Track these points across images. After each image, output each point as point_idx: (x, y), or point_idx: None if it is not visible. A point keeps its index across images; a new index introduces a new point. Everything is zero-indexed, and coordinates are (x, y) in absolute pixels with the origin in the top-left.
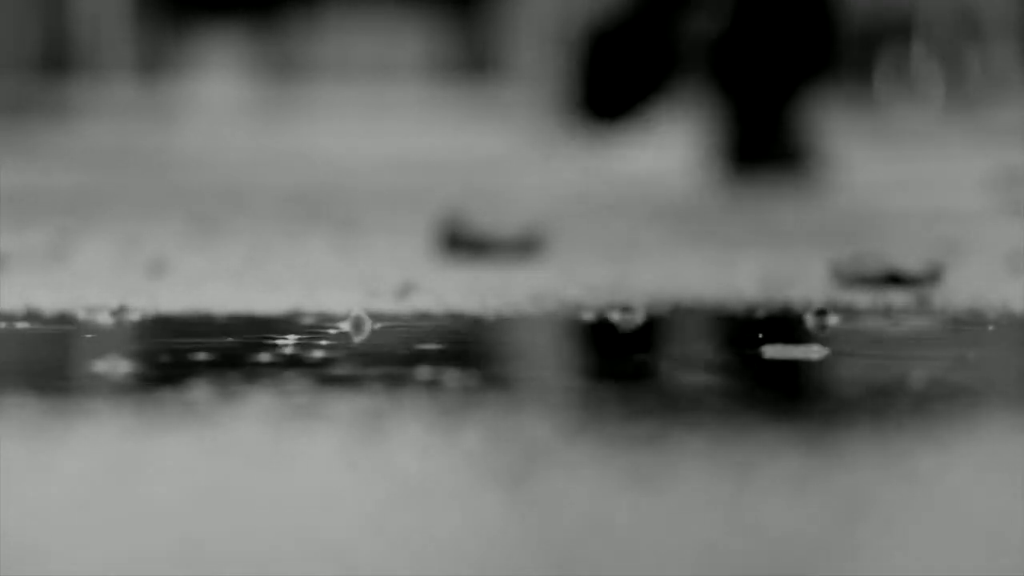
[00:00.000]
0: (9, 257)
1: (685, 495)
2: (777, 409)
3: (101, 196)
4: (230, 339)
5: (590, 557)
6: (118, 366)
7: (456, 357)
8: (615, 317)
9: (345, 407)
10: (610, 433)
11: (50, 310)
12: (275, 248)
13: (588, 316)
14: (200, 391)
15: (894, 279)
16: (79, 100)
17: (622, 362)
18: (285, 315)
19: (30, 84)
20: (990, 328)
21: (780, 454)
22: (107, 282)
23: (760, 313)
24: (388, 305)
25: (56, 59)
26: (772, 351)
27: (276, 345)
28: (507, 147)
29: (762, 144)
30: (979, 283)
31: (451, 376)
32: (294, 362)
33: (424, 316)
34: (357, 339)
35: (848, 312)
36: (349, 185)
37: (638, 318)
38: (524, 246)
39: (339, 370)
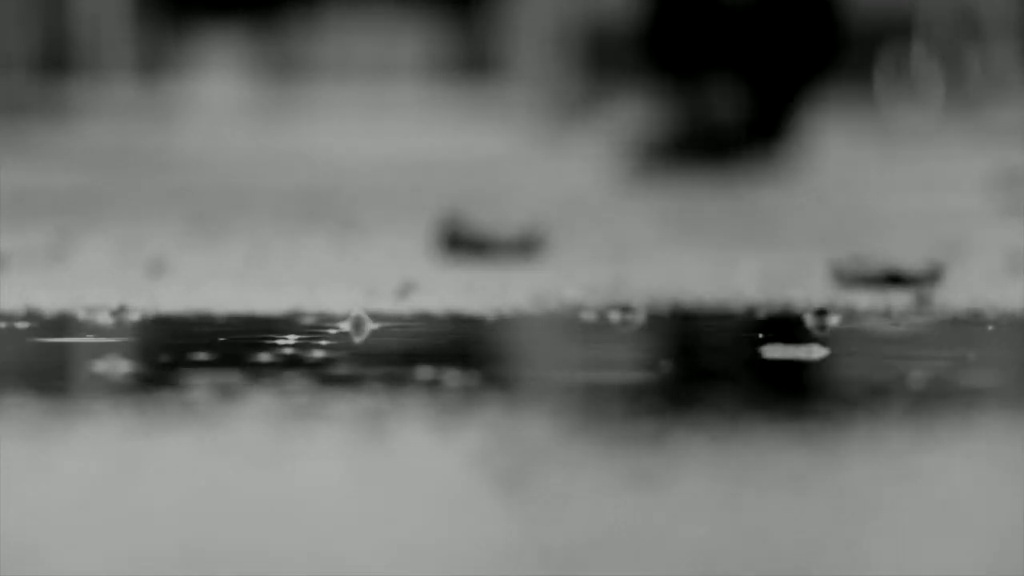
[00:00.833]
0: (9, 257)
1: (685, 495)
2: (777, 409)
3: (101, 196)
4: (230, 339)
5: (590, 557)
6: (118, 366)
7: (456, 357)
8: (615, 317)
9: (345, 407)
10: (610, 433)
11: (50, 310)
12: (275, 248)
13: (588, 316)
14: (200, 391)
15: (894, 279)
16: (79, 100)
17: (623, 362)
18: (285, 315)
19: (30, 84)
20: (990, 328)
21: (780, 454)
22: (107, 282)
23: (760, 313)
24: (388, 305)
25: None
26: (772, 351)
27: (276, 345)
28: (507, 147)
29: (742, 130)
30: (979, 283)
31: (451, 376)
32: (294, 362)
33: (424, 316)
34: (357, 339)
35: (848, 312)
36: (349, 185)
37: (639, 318)
38: (524, 246)
39: (339, 370)
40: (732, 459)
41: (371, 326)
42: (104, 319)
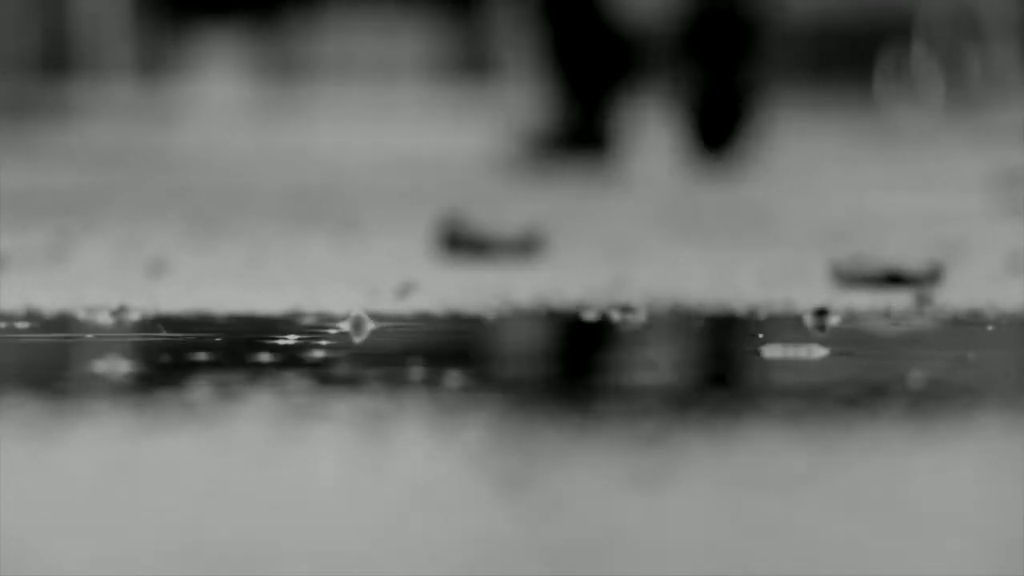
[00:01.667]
0: (9, 257)
1: (685, 495)
2: (777, 409)
3: (101, 196)
4: (230, 339)
5: (590, 557)
6: (118, 366)
7: (456, 357)
8: (615, 317)
9: (345, 407)
10: (610, 433)
11: (50, 310)
12: (275, 248)
13: (589, 316)
14: (200, 391)
15: (894, 279)
16: (79, 100)
17: (623, 362)
18: (285, 315)
19: (30, 84)
20: (990, 328)
21: (780, 454)
22: (107, 282)
23: (761, 313)
24: (388, 305)
25: (56, 59)
26: (772, 351)
27: (276, 345)
28: (506, 147)
29: (572, 132)
30: (979, 283)
31: (451, 376)
32: (294, 362)
33: (424, 316)
34: (357, 339)
35: (848, 312)
36: (349, 185)
37: (639, 318)
38: (524, 246)
39: (339, 370)
40: (732, 459)
41: (371, 326)
42: (104, 319)
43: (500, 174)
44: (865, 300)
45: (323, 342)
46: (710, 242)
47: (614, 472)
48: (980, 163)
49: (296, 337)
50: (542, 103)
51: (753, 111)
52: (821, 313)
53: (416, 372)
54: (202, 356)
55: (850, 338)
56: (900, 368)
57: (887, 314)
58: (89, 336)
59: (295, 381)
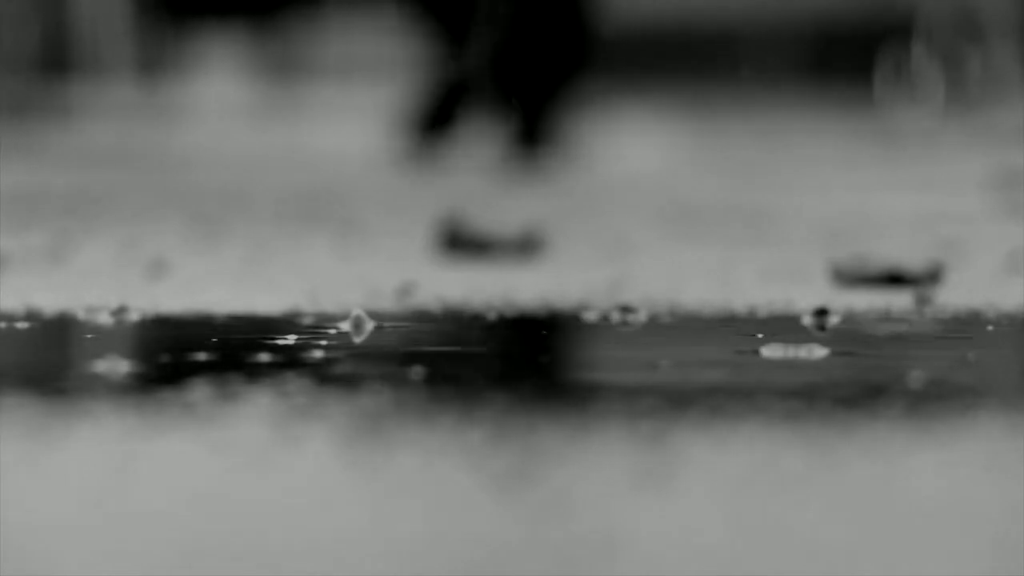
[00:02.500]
0: (9, 257)
1: (685, 495)
2: (777, 409)
3: (101, 196)
4: (230, 339)
5: (590, 557)
6: (118, 366)
7: (456, 357)
8: (615, 317)
9: (345, 407)
10: (610, 433)
11: (50, 310)
12: (275, 248)
13: (589, 316)
14: (200, 391)
15: (894, 279)
16: (79, 100)
17: (623, 362)
18: (285, 315)
19: (30, 84)
20: (990, 328)
21: (780, 454)
22: (107, 282)
23: (761, 313)
24: (388, 305)
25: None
26: (772, 351)
27: (276, 345)
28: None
29: (526, 133)
30: (979, 283)
31: (450, 376)
32: (294, 362)
33: (424, 316)
34: (357, 339)
35: (848, 312)
36: (349, 185)
37: (640, 318)
38: (524, 246)
39: (339, 370)
40: (732, 459)
41: (371, 326)
42: (104, 319)
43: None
44: (865, 300)
45: (323, 342)
46: (710, 241)
47: (614, 472)
48: (980, 163)
49: (296, 337)
50: (434, 95)
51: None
52: (821, 313)
53: (416, 372)
54: (202, 356)
55: (850, 338)
56: (900, 368)
57: (887, 314)
58: (90, 336)
59: (295, 381)
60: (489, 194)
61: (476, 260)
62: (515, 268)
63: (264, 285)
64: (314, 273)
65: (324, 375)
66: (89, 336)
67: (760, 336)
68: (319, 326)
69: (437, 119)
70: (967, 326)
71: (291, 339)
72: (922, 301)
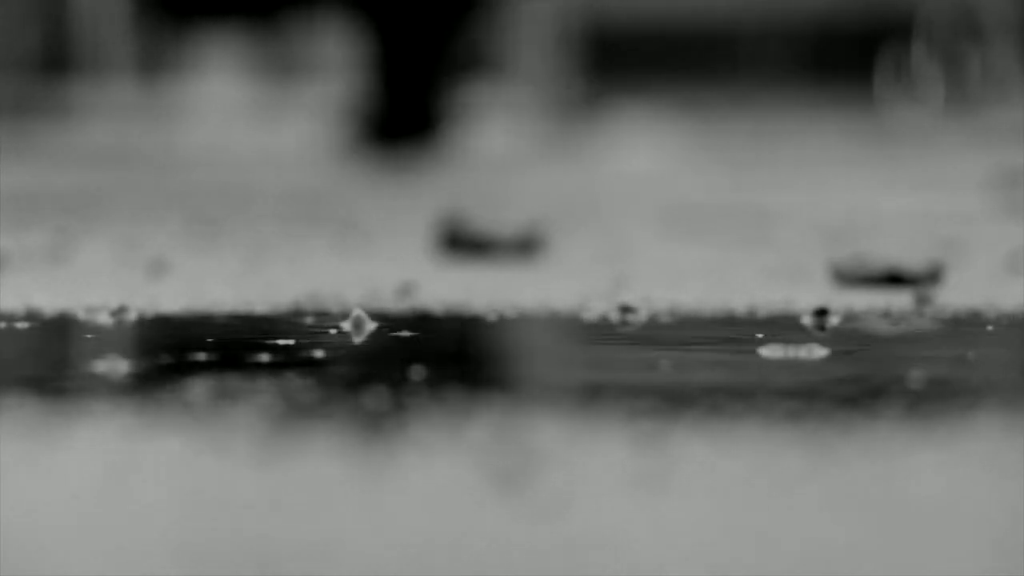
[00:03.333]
0: (9, 257)
1: (685, 495)
2: (777, 409)
3: (101, 196)
4: (230, 339)
5: (590, 557)
6: (118, 366)
7: (456, 357)
8: (615, 317)
9: (345, 407)
10: (610, 433)
11: (50, 310)
12: (275, 248)
13: (589, 316)
14: (200, 391)
15: (894, 279)
16: (79, 100)
17: (623, 362)
18: (285, 315)
19: (30, 84)
20: (990, 328)
21: (780, 454)
22: (107, 282)
23: (760, 313)
24: (388, 305)
25: (56, 59)
26: (772, 351)
27: (276, 345)
28: (508, 147)
29: (401, 117)
30: (979, 283)
31: (452, 377)
32: (294, 362)
33: (424, 316)
34: (357, 339)
35: (848, 312)
36: (349, 185)
37: (640, 318)
38: (524, 246)
39: (339, 370)
40: (732, 459)
41: (371, 326)
42: (104, 319)
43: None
44: (865, 300)
45: (323, 342)
46: (710, 241)
47: (614, 472)
48: (980, 163)
49: (296, 337)
50: (367, 88)
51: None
52: (821, 313)
53: (416, 372)
54: (202, 356)
55: (850, 338)
56: (900, 368)
57: (887, 314)
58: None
59: (295, 381)
60: (489, 194)
61: (476, 260)
62: (515, 268)
63: (264, 285)
64: (314, 273)
65: (324, 375)
66: (89, 336)
67: (760, 336)
68: (319, 326)
69: (379, 113)
70: (967, 326)
71: (291, 339)
72: (922, 301)
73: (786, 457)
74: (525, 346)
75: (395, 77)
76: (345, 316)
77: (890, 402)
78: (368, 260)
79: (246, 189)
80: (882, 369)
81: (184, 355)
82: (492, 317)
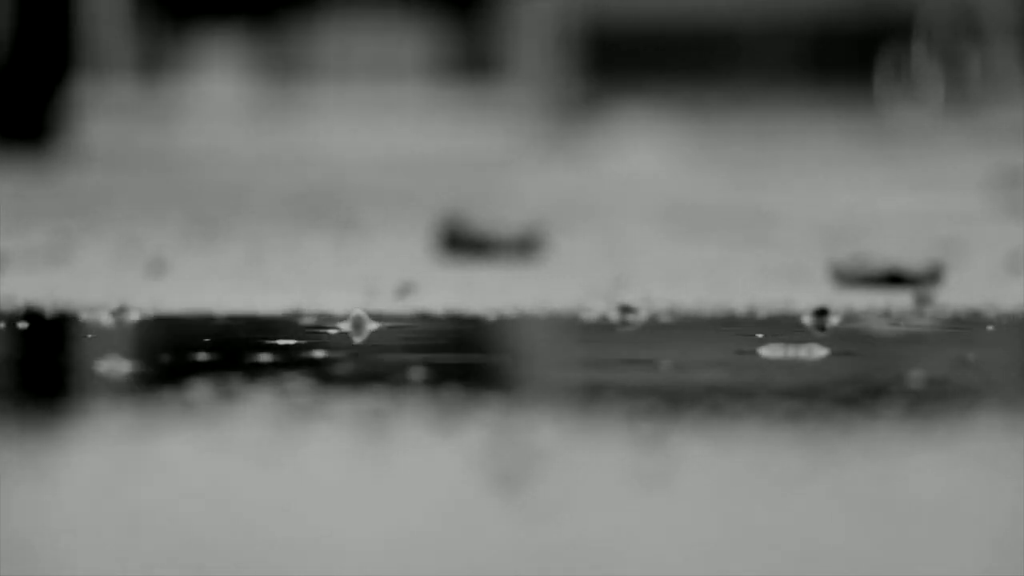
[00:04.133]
0: (9, 257)
1: (685, 495)
2: (777, 409)
3: (101, 196)
4: (230, 339)
5: (590, 557)
6: (118, 366)
7: (456, 358)
8: (615, 317)
9: (345, 407)
10: (610, 433)
11: (50, 310)
12: (275, 248)
13: (589, 316)
14: (200, 391)
15: (894, 279)
16: (79, 100)
17: (622, 362)
18: (285, 315)
19: None
20: (990, 328)
21: (780, 454)
22: (107, 282)
23: (760, 313)
24: (388, 305)
25: None
26: (772, 351)
27: (276, 345)
28: (507, 147)
29: (15, 117)
30: (979, 283)
31: (451, 376)
32: (294, 362)
33: (424, 316)
34: (357, 339)
35: (848, 312)
36: (349, 185)
37: (640, 318)
38: (524, 246)
39: (339, 370)
40: (732, 459)
41: (371, 326)
42: (104, 319)
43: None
44: (865, 300)
45: (323, 342)
46: (710, 241)
47: (614, 472)
48: (980, 163)
49: (296, 337)
50: None
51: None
52: (821, 313)
53: (416, 372)
54: (202, 356)
55: (850, 338)
56: (900, 368)
57: (887, 314)
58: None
59: (295, 381)
60: (489, 194)
61: (476, 260)
62: (515, 268)
63: (264, 285)
64: (314, 273)
65: (324, 375)
66: (89, 336)
67: (760, 336)
68: (319, 326)
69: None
70: (967, 326)
71: (291, 339)
72: (922, 301)
73: (786, 457)
74: (525, 346)
75: (9, 78)
76: (345, 316)
77: (890, 402)
78: (368, 260)
79: None
80: (882, 369)
81: (184, 355)
82: (492, 317)
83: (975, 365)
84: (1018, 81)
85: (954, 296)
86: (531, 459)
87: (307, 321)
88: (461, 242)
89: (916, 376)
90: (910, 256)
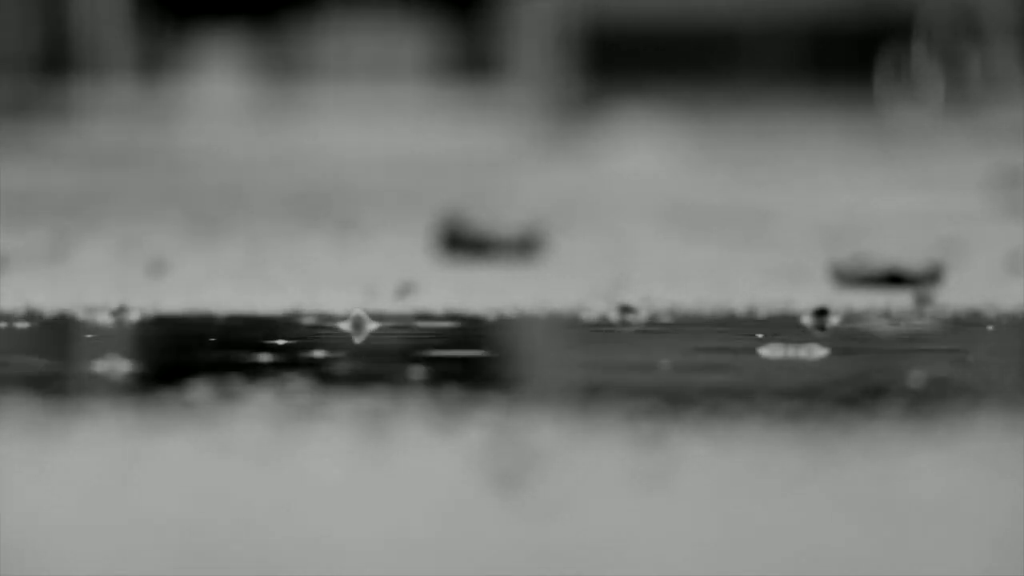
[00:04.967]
0: (9, 257)
1: (685, 495)
2: (777, 409)
3: (101, 196)
4: (230, 339)
5: (590, 557)
6: (118, 366)
7: (456, 358)
8: (615, 317)
9: (345, 407)
10: (610, 433)
11: (50, 310)
12: (275, 248)
13: (588, 316)
14: (200, 391)
15: (894, 279)
16: (79, 100)
17: (623, 362)
18: (285, 315)
19: (30, 84)
20: (990, 328)
21: (780, 454)
22: (107, 282)
23: (760, 313)
24: (388, 305)
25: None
26: (772, 351)
27: (276, 345)
28: (507, 147)
29: None
30: (979, 283)
31: (451, 376)
32: (294, 362)
33: (424, 316)
34: (357, 339)
35: (848, 312)
36: (349, 185)
37: (640, 318)
38: (524, 246)
39: (339, 370)
40: (732, 459)
41: (371, 326)
42: (104, 319)
43: None
44: (865, 300)
45: (323, 342)
46: (710, 241)
47: (614, 472)
48: (980, 163)
49: (296, 337)
50: None
51: None
52: (821, 313)
53: (416, 372)
54: (202, 356)
55: (850, 338)
56: (900, 368)
57: (887, 314)
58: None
59: (295, 381)
60: (489, 194)
61: (476, 260)
62: (515, 268)
63: (264, 285)
64: (314, 273)
65: (324, 375)
66: (89, 336)
67: (760, 336)
68: (319, 326)
69: None
70: (967, 326)
71: (291, 339)
72: (922, 301)
73: (786, 457)
74: (525, 346)
75: None
76: (345, 316)
77: (890, 402)
78: (368, 260)
79: None
80: (882, 369)
81: (184, 355)
82: (492, 317)
83: (975, 365)
84: (1018, 81)
85: (954, 296)
86: (531, 459)
87: (307, 321)
88: (461, 242)
89: (916, 376)
90: (910, 256)
